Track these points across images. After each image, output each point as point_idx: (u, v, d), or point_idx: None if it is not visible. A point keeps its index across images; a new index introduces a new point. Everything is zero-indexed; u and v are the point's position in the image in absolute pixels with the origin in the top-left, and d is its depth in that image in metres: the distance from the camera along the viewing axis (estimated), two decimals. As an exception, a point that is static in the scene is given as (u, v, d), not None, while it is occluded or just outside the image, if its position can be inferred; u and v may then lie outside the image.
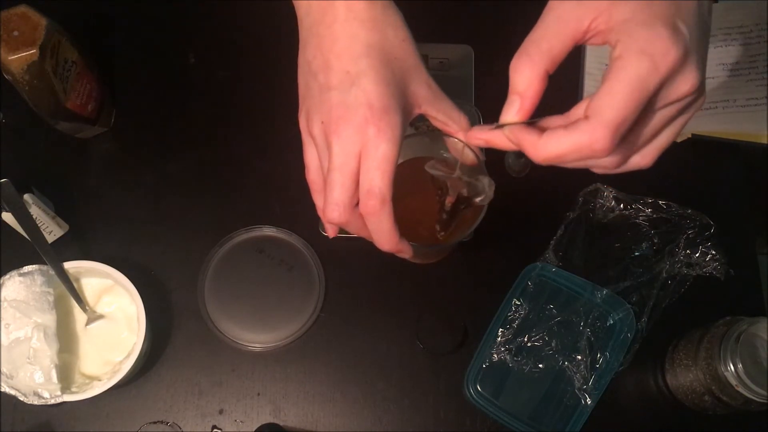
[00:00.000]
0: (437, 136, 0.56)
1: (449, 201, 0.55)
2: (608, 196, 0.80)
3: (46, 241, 0.70)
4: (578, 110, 0.43)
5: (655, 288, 0.77)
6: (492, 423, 0.74)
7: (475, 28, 0.90)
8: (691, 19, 0.40)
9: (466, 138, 0.51)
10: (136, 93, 0.86)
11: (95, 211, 0.80)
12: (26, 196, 0.70)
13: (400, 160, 0.56)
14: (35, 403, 0.66)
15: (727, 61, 0.87)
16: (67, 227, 0.77)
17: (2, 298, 0.68)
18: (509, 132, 0.44)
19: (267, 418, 0.74)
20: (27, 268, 0.70)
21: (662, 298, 0.77)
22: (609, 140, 0.39)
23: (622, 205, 0.81)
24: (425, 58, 0.86)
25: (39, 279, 0.69)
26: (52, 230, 0.75)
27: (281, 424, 0.73)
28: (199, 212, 0.81)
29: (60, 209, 0.77)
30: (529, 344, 0.76)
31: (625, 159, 0.43)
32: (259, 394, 0.75)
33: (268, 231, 0.80)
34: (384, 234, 0.49)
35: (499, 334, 0.76)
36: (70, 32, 0.73)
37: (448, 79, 0.85)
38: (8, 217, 0.69)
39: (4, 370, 0.67)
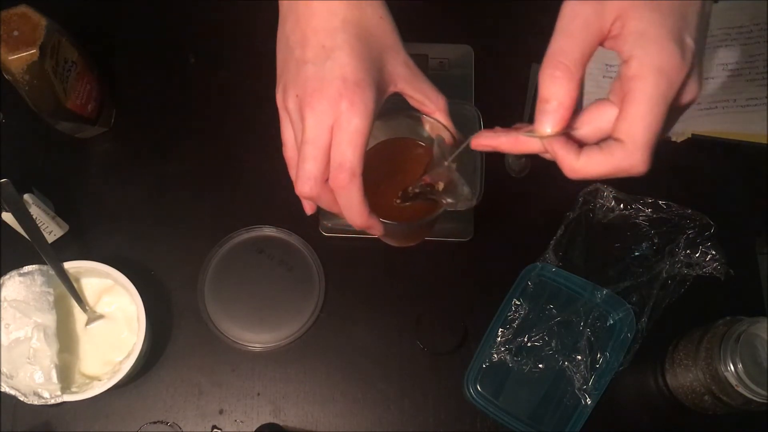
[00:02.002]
0: (417, 117, 0.56)
1: (425, 180, 0.55)
2: (608, 196, 0.80)
3: (46, 241, 0.70)
4: (600, 114, 0.44)
5: (655, 288, 0.77)
6: (492, 423, 0.74)
7: (475, 28, 0.90)
8: (695, 32, 0.42)
9: (473, 144, 0.50)
10: (136, 93, 0.86)
11: (95, 211, 0.80)
12: (26, 196, 0.70)
13: (382, 139, 0.57)
14: (35, 403, 0.66)
15: (727, 61, 0.88)
16: (67, 227, 0.77)
17: (2, 298, 0.68)
18: (547, 143, 0.44)
19: (267, 418, 0.74)
20: (27, 268, 0.70)
21: (662, 298, 0.77)
22: (647, 162, 0.41)
23: (622, 205, 0.81)
24: (425, 58, 0.87)
25: (39, 279, 0.69)
26: (52, 230, 0.75)
27: (281, 424, 0.73)
28: (199, 212, 0.81)
29: (60, 209, 0.77)
30: (529, 344, 0.76)
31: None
32: (259, 394, 0.75)
33: (268, 231, 0.80)
34: (353, 208, 0.49)
35: (499, 334, 0.76)
36: (70, 32, 0.73)
37: (448, 79, 0.85)
38: (8, 217, 0.69)
39: (4, 370, 0.67)
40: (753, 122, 0.84)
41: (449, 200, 0.54)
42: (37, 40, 0.67)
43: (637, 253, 0.80)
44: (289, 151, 0.53)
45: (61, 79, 0.72)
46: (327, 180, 0.49)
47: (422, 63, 0.85)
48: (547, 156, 0.45)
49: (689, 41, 0.41)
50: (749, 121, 0.85)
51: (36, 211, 0.71)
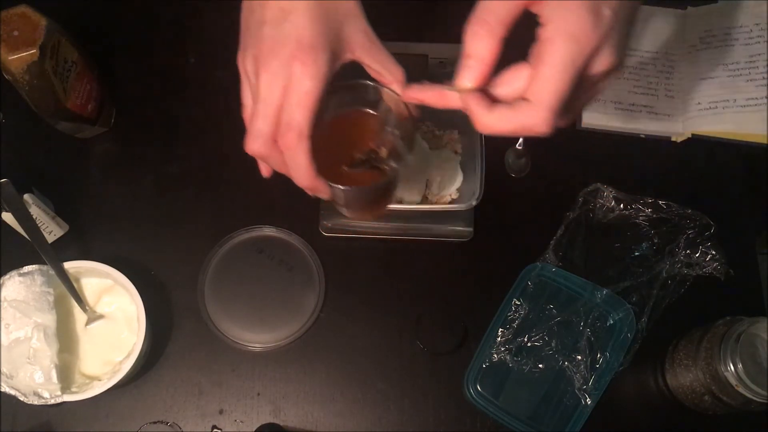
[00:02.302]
0: (375, 88, 0.57)
1: (369, 146, 0.57)
2: (608, 196, 0.80)
3: (46, 241, 0.70)
4: (518, 75, 0.46)
5: (655, 288, 0.77)
6: (492, 423, 0.74)
7: (475, 28, 0.90)
8: (615, 5, 0.43)
9: (403, 93, 0.52)
10: (136, 93, 0.86)
11: (95, 211, 0.80)
12: (26, 196, 0.70)
13: (345, 110, 0.58)
14: (35, 403, 0.66)
15: (727, 61, 0.88)
16: (67, 227, 0.78)
17: (2, 298, 0.68)
18: (463, 97, 0.45)
19: (267, 418, 0.74)
20: (27, 268, 0.70)
21: (662, 298, 0.77)
22: (550, 122, 0.44)
23: (622, 205, 0.81)
24: (425, 58, 0.87)
25: (39, 279, 0.69)
26: (52, 230, 0.75)
27: (281, 424, 0.73)
28: (199, 212, 0.81)
29: (60, 209, 0.77)
30: (529, 344, 0.76)
31: (568, 119, 0.47)
32: (259, 394, 0.75)
33: (268, 231, 0.80)
34: (300, 169, 0.50)
35: (499, 334, 0.76)
36: (70, 32, 0.73)
37: (448, 79, 0.85)
38: (8, 217, 0.69)
39: (4, 370, 0.67)
40: (753, 122, 0.85)
41: (393, 165, 0.55)
42: (37, 40, 0.67)
43: (637, 253, 0.80)
44: (248, 113, 0.52)
45: (61, 79, 0.72)
46: (276, 140, 0.50)
47: (422, 63, 0.85)
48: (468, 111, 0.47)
49: (607, 12, 0.42)
50: (749, 121, 0.85)
51: (36, 211, 0.71)
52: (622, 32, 0.44)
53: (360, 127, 0.58)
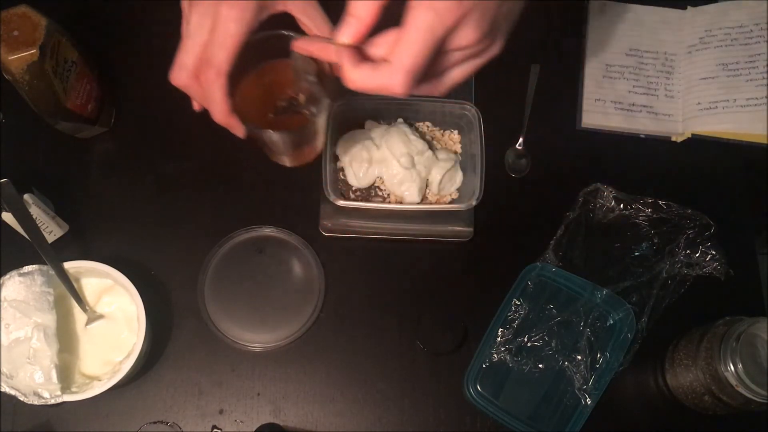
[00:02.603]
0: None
1: (289, 93, 0.61)
2: (608, 196, 0.80)
3: (46, 241, 0.70)
4: (388, 39, 0.48)
5: (655, 288, 0.77)
6: (492, 423, 0.74)
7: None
8: None
9: (294, 47, 0.55)
10: (136, 93, 0.86)
11: (95, 211, 0.80)
12: (26, 196, 0.70)
13: (271, 61, 0.61)
14: (35, 403, 0.66)
15: (727, 61, 0.88)
16: (67, 227, 0.77)
17: (2, 298, 0.68)
18: (337, 50, 0.49)
19: (267, 418, 0.74)
20: (27, 268, 0.70)
21: (662, 298, 0.77)
22: (406, 83, 0.47)
23: (622, 205, 0.81)
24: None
25: (39, 279, 0.69)
26: (52, 230, 0.75)
27: (281, 424, 0.73)
28: (199, 212, 0.81)
29: (60, 209, 0.77)
30: (529, 344, 0.76)
31: (418, 86, 0.49)
32: (259, 394, 0.75)
33: (268, 231, 0.80)
34: (216, 104, 0.55)
35: (499, 334, 0.76)
36: (70, 32, 0.73)
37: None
38: (8, 217, 0.69)
39: (4, 370, 0.67)
40: (753, 122, 0.85)
41: (312, 110, 0.60)
42: (37, 40, 0.67)
43: (637, 253, 0.80)
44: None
45: (61, 79, 0.72)
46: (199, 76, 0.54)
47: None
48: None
49: None
50: (749, 121, 0.85)
51: (36, 211, 0.71)
52: (488, 14, 0.47)
53: (283, 75, 0.61)
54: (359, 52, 0.49)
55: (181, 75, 0.55)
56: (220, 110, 0.55)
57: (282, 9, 0.55)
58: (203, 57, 0.53)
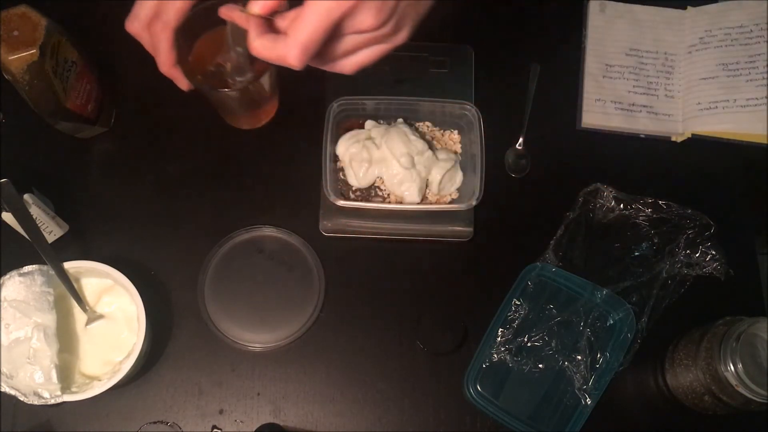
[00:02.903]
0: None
1: (217, 60, 0.66)
2: (608, 196, 0.80)
3: (46, 241, 0.70)
4: (292, 15, 0.52)
5: (655, 288, 0.77)
6: (492, 423, 0.74)
7: (475, 28, 0.90)
8: None
9: (220, 14, 0.59)
10: (136, 93, 0.85)
11: (95, 211, 0.80)
12: (26, 196, 0.70)
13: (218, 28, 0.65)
14: (35, 403, 0.66)
15: (727, 61, 0.88)
16: (67, 227, 0.77)
17: (2, 298, 0.68)
18: (250, 20, 0.52)
19: (267, 418, 0.74)
20: (27, 268, 0.70)
21: (662, 298, 0.77)
22: (299, 57, 0.50)
23: (622, 205, 0.81)
24: (425, 58, 0.87)
25: (39, 279, 0.69)
26: (52, 230, 0.75)
27: (281, 424, 0.73)
28: (199, 212, 0.81)
29: (60, 209, 0.77)
30: (529, 344, 0.76)
31: (324, 64, 0.54)
32: (259, 394, 0.75)
33: (268, 231, 0.80)
34: (161, 55, 0.62)
35: (499, 334, 0.76)
36: (70, 32, 0.73)
37: (448, 79, 0.85)
38: (8, 217, 0.69)
39: (4, 370, 0.67)
40: (753, 122, 0.85)
41: (238, 79, 0.65)
42: (37, 40, 0.67)
43: (637, 253, 0.80)
44: None
45: (61, 79, 0.72)
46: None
47: (422, 63, 0.86)
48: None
49: None
50: (749, 121, 0.85)
51: (36, 211, 0.71)
52: (387, 4, 0.50)
53: (219, 43, 0.65)
54: (268, 23, 0.53)
55: (134, 24, 0.61)
56: (164, 61, 0.62)
57: None
58: (156, 11, 0.59)
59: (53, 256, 0.69)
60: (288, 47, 0.50)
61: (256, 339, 0.76)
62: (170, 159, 0.83)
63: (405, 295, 0.79)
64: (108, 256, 0.74)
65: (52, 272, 0.70)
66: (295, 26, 0.50)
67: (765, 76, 0.86)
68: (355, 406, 0.75)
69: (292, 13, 0.52)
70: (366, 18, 0.50)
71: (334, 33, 0.51)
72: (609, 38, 0.90)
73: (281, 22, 0.52)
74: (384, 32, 0.52)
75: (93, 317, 0.73)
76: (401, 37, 0.54)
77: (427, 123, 0.82)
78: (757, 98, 0.85)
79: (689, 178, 0.85)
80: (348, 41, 0.52)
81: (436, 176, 0.77)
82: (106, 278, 0.73)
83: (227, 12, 0.58)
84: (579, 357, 0.75)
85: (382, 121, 0.81)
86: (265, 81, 0.72)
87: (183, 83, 0.66)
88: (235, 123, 0.81)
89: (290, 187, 0.82)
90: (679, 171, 0.85)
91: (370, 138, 0.78)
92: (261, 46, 0.52)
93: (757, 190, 0.86)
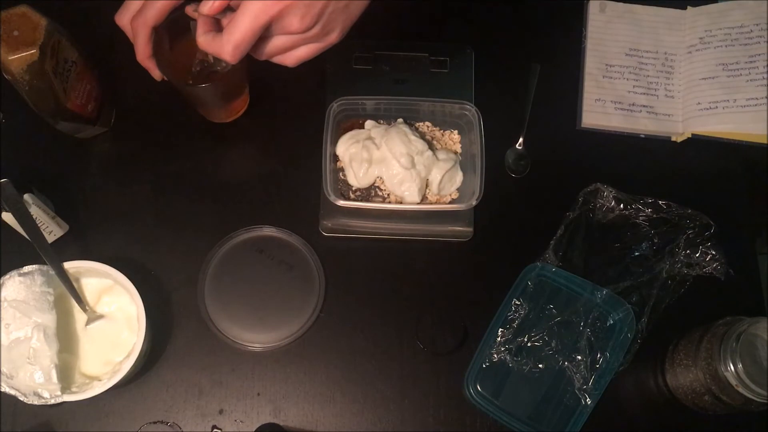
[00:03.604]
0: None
1: (198, 57, 0.73)
2: (608, 196, 0.80)
3: (46, 241, 0.70)
4: (231, 16, 0.58)
5: (655, 288, 0.77)
6: (492, 423, 0.74)
7: (475, 28, 0.90)
8: None
9: (186, 11, 0.66)
10: (136, 93, 0.85)
11: (95, 211, 0.80)
12: (26, 196, 0.70)
13: None
14: (35, 403, 0.66)
15: (727, 61, 0.88)
16: (67, 227, 0.77)
17: (2, 298, 0.68)
18: (199, 18, 0.60)
19: (267, 418, 0.74)
20: (27, 268, 0.70)
21: (662, 298, 0.77)
22: (233, 53, 0.57)
23: (622, 205, 0.81)
24: (425, 58, 0.87)
25: (39, 279, 0.69)
26: (52, 230, 0.75)
27: (281, 424, 0.73)
28: (199, 212, 0.81)
29: (60, 209, 0.77)
30: (529, 344, 0.76)
31: (263, 57, 0.61)
32: (259, 394, 0.75)
33: (268, 231, 0.80)
34: (139, 47, 0.68)
35: (499, 334, 0.76)
36: (70, 32, 0.73)
37: (448, 79, 0.85)
38: (8, 217, 0.69)
39: (4, 370, 0.67)
40: (753, 122, 0.85)
41: (223, 64, 0.70)
42: (37, 40, 0.67)
43: (637, 253, 0.80)
44: None
45: (61, 79, 0.72)
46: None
47: (422, 63, 0.86)
48: None
49: None
50: (749, 121, 0.85)
51: (36, 211, 0.71)
52: (312, 11, 0.56)
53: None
54: (216, 21, 0.60)
55: (121, 17, 0.67)
56: (140, 52, 0.68)
57: None
58: (140, 8, 0.65)
59: (53, 256, 0.69)
60: (223, 44, 0.57)
61: (256, 339, 0.76)
62: (170, 159, 0.83)
63: (405, 295, 0.79)
64: (108, 256, 0.74)
65: (52, 272, 0.70)
66: (229, 27, 0.57)
67: (765, 76, 0.85)
68: (355, 406, 0.75)
69: (231, 15, 0.58)
70: (292, 22, 0.56)
71: (265, 33, 0.58)
72: (609, 38, 0.90)
73: (224, 21, 0.60)
74: (313, 34, 0.58)
75: (93, 317, 0.73)
76: (333, 37, 0.60)
77: (427, 123, 0.82)
78: (757, 98, 0.85)
79: (689, 178, 0.85)
80: (279, 40, 0.59)
81: (436, 176, 0.77)
82: (106, 278, 0.73)
83: (190, 10, 0.65)
84: (579, 357, 0.75)
85: (382, 121, 0.81)
86: (235, 74, 0.76)
87: (155, 74, 0.71)
88: (210, 116, 0.83)
89: (290, 187, 0.82)
90: (679, 171, 0.85)
91: (370, 138, 0.78)
92: (204, 41, 0.59)
93: (757, 190, 0.86)
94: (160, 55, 0.70)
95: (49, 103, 0.73)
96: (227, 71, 0.72)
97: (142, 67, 0.87)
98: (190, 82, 0.74)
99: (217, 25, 0.60)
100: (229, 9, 0.59)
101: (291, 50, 0.61)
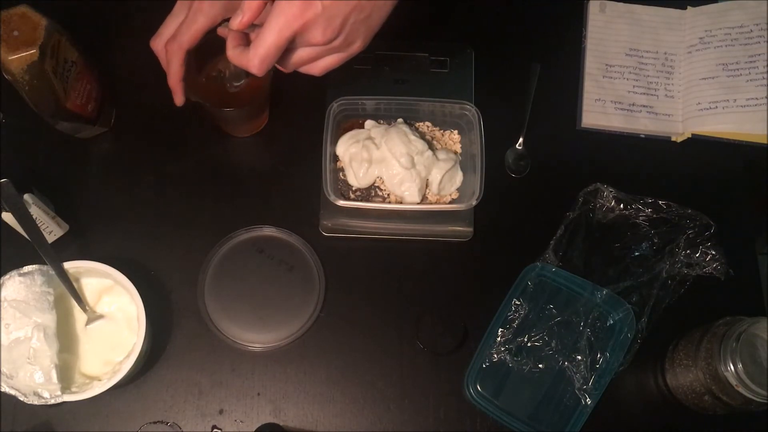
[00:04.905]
0: None
1: (218, 66, 0.75)
2: (608, 196, 0.80)
3: (46, 241, 0.70)
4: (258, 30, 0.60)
5: (655, 288, 0.77)
6: (492, 423, 0.74)
7: (475, 28, 0.90)
8: (328, 0, 0.57)
9: (218, 32, 0.68)
10: (136, 93, 0.86)
11: (95, 211, 0.80)
12: (26, 196, 0.70)
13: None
14: (35, 403, 0.66)
15: (727, 61, 0.88)
16: (67, 227, 0.77)
17: (2, 298, 0.68)
18: (229, 33, 0.62)
19: (267, 418, 0.74)
20: (27, 268, 0.70)
21: (662, 298, 0.77)
22: (260, 66, 0.60)
23: (622, 205, 0.81)
24: (425, 58, 0.87)
25: (39, 279, 0.69)
26: (52, 230, 0.75)
27: (281, 424, 0.73)
28: (199, 212, 0.81)
29: (60, 209, 0.77)
30: (529, 344, 0.76)
31: (290, 69, 0.63)
32: (259, 394, 0.75)
33: (268, 231, 0.80)
34: (170, 71, 0.70)
35: (499, 334, 0.76)
36: (70, 32, 0.73)
37: (448, 79, 0.85)
38: (8, 217, 0.69)
39: (4, 370, 0.67)
40: (753, 122, 0.85)
41: (234, 84, 0.71)
42: (37, 40, 0.67)
43: (637, 253, 0.80)
44: None
45: (61, 79, 0.72)
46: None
47: (422, 63, 0.86)
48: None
49: (318, 4, 0.56)
50: (749, 121, 0.85)
51: (36, 211, 0.71)
52: (334, 23, 0.58)
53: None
54: (244, 36, 0.62)
55: (156, 42, 0.70)
56: (172, 75, 0.70)
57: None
58: (174, 33, 0.68)
59: (53, 256, 0.69)
60: (250, 58, 0.59)
61: (256, 339, 0.76)
62: (170, 159, 0.83)
63: (405, 295, 0.79)
64: (108, 256, 0.73)
65: (52, 272, 0.70)
66: (255, 41, 0.59)
67: (765, 76, 0.85)
68: (355, 406, 0.75)
69: (259, 30, 0.60)
70: (315, 35, 0.58)
71: (290, 46, 0.60)
72: (609, 38, 0.90)
73: (253, 36, 0.61)
74: (336, 45, 0.60)
75: (93, 317, 0.73)
76: (356, 47, 0.62)
77: (427, 123, 0.82)
78: (757, 98, 0.85)
79: (689, 178, 0.85)
80: (304, 52, 0.61)
81: (436, 176, 0.77)
82: (106, 278, 0.73)
83: (221, 30, 0.67)
84: (579, 357, 0.75)
85: (382, 121, 0.81)
86: (261, 95, 0.78)
87: (179, 99, 0.74)
88: (232, 131, 0.84)
89: (290, 187, 0.82)
90: (679, 171, 0.85)
91: (370, 138, 0.78)
92: (233, 54, 0.61)
93: (757, 190, 0.86)
94: (189, 78, 0.73)
95: (49, 103, 0.73)
96: (245, 89, 0.73)
97: (141, 67, 0.87)
98: (224, 107, 0.76)
99: (246, 39, 0.62)
100: (258, 24, 0.60)
101: (316, 61, 0.63)
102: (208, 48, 0.75)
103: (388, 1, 0.61)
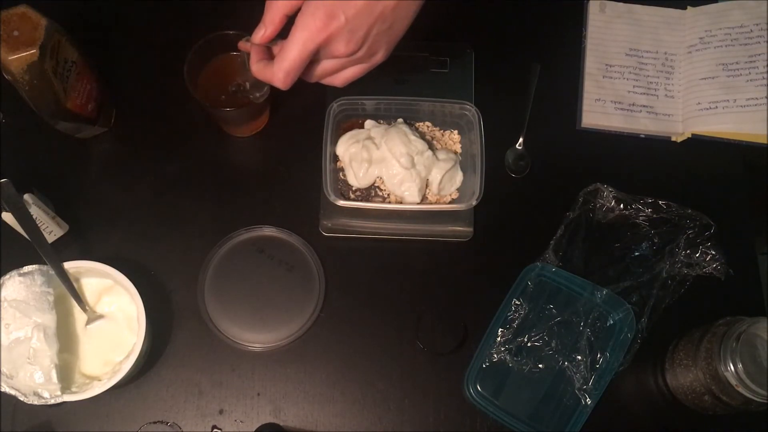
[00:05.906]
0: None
1: (237, 80, 0.74)
2: (608, 196, 0.80)
3: (46, 241, 0.70)
4: (281, 44, 0.61)
5: (655, 288, 0.77)
6: (492, 423, 0.74)
7: (475, 28, 0.90)
8: (351, 12, 0.58)
9: (239, 47, 0.68)
10: (136, 93, 0.86)
11: (95, 211, 0.80)
12: (26, 196, 0.70)
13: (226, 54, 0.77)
14: (35, 403, 0.66)
15: (727, 61, 0.88)
16: (67, 227, 0.77)
17: (2, 298, 0.68)
18: (252, 47, 0.63)
19: (267, 418, 0.74)
20: (27, 268, 0.70)
21: (662, 298, 0.77)
22: (284, 80, 0.61)
23: (622, 205, 0.81)
24: (425, 58, 0.87)
25: (39, 279, 0.69)
26: (52, 230, 0.75)
27: (281, 424, 0.73)
28: (199, 212, 0.81)
29: (60, 209, 0.77)
30: (529, 344, 0.76)
31: (314, 80, 0.64)
32: (259, 394, 0.75)
33: (268, 231, 0.80)
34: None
35: (499, 334, 0.76)
36: (70, 32, 0.73)
37: (448, 79, 0.85)
38: (8, 217, 0.69)
39: (4, 370, 0.67)
40: (753, 122, 0.85)
41: (256, 94, 0.72)
42: (37, 40, 0.67)
43: (637, 253, 0.80)
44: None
45: (61, 79, 0.72)
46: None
47: (422, 63, 0.86)
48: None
49: (341, 16, 0.57)
50: (749, 121, 0.85)
51: (36, 211, 0.71)
52: (356, 35, 0.59)
53: (230, 66, 0.77)
54: (266, 49, 0.63)
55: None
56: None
57: None
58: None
59: (53, 256, 0.69)
60: (274, 72, 0.60)
61: (256, 339, 0.76)
62: (170, 159, 0.83)
63: (405, 295, 0.79)
64: (108, 256, 0.74)
65: (52, 272, 0.70)
66: (279, 55, 0.60)
67: (765, 76, 0.85)
68: (355, 406, 0.75)
69: (281, 43, 0.60)
70: (338, 47, 0.59)
71: (314, 58, 0.60)
72: (609, 38, 0.90)
73: (276, 49, 0.62)
74: (359, 56, 0.61)
75: (93, 317, 0.73)
76: (378, 57, 0.63)
77: (427, 123, 0.82)
78: (757, 98, 0.85)
79: (689, 178, 0.85)
80: (327, 64, 0.62)
81: (436, 176, 0.77)
82: (106, 278, 0.73)
83: (242, 44, 0.67)
84: (579, 357, 0.75)
85: (382, 121, 0.81)
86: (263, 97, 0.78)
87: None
88: (232, 132, 0.85)
89: (290, 187, 0.82)
90: (679, 171, 0.85)
91: (370, 138, 0.78)
92: (256, 69, 0.63)
93: (757, 190, 0.86)
94: (192, 78, 0.74)
95: (49, 103, 0.73)
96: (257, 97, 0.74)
97: (141, 67, 0.88)
98: (225, 108, 0.76)
99: (268, 53, 0.63)
100: (280, 37, 0.61)
101: (339, 72, 0.64)
102: (209, 48, 0.77)
103: (410, 11, 0.62)
